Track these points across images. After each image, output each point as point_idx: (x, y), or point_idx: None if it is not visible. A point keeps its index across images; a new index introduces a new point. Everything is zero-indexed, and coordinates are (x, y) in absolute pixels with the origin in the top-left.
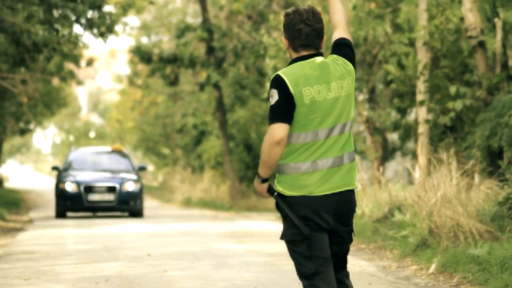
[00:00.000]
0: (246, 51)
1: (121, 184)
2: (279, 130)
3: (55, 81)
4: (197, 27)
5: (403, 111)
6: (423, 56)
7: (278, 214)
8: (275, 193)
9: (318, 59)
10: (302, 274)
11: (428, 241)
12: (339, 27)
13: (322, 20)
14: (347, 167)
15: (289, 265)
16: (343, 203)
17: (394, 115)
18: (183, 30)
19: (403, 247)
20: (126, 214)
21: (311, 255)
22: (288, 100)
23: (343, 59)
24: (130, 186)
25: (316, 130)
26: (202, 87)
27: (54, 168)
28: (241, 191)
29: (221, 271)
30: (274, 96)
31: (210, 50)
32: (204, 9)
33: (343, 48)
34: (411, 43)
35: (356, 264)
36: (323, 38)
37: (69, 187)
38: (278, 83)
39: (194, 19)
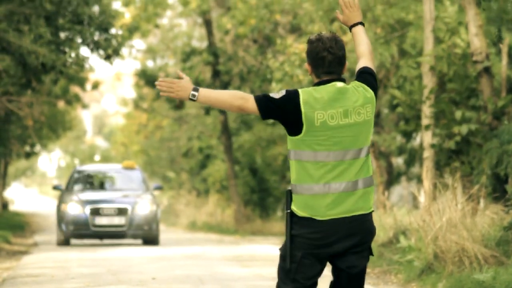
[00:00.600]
0: (252, 75)
1: (134, 205)
2: (249, 102)
3: (61, 104)
4: (203, 51)
5: (408, 136)
6: (428, 81)
7: (283, 238)
8: (288, 210)
9: (339, 84)
10: None
11: (433, 265)
12: (363, 57)
13: (344, 47)
14: (361, 192)
15: None
16: (356, 226)
17: (399, 139)
18: (189, 53)
19: (408, 271)
20: (139, 241)
21: (294, 278)
22: (284, 108)
23: (364, 85)
24: (144, 208)
25: (328, 152)
26: (207, 111)
27: (56, 187)
28: (246, 215)
29: None
30: (279, 94)
31: (216, 74)
32: (209, 33)
33: (365, 75)
34: (419, 67)
35: None
36: (345, 65)
37: (73, 209)
38: (292, 94)
39: (199, 43)
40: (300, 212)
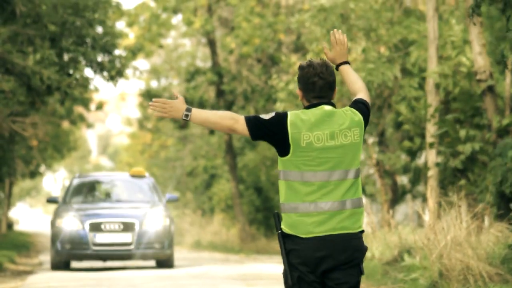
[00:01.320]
0: (256, 94)
1: (142, 219)
2: (242, 125)
3: (65, 124)
4: (207, 71)
5: (413, 154)
6: (432, 99)
7: None
8: (279, 231)
9: (327, 107)
10: None
11: (438, 283)
12: (359, 93)
13: (334, 73)
14: (349, 212)
15: None
16: (342, 244)
17: (403, 158)
18: (193, 73)
19: None
20: (150, 263)
21: None
22: (272, 129)
23: (354, 110)
24: (155, 223)
25: (314, 172)
26: (212, 130)
27: (51, 200)
28: (251, 234)
29: None
30: (269, 115)
31: (220, 94)
32: (213, 53)
33: (358, 104)
34: (421, 87)
35: None
36: (335, 90)
37: (69, 224)
38: (279, 118)
39: (203, 63)
40: (287, 231)
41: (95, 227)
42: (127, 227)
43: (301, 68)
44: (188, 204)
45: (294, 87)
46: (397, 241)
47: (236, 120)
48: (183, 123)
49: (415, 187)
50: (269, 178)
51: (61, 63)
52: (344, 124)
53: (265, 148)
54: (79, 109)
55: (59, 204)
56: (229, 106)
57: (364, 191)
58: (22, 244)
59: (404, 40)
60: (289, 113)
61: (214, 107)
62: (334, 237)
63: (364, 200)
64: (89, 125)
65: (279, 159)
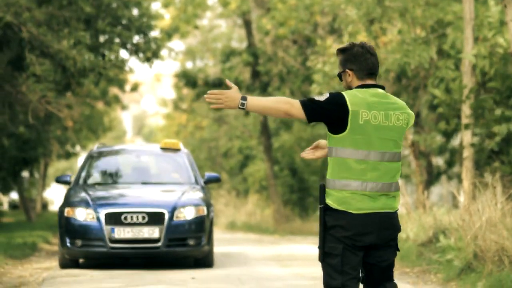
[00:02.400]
0: (291, 76)
1: (174, 208)
2: (296, 107)
3: (100, 105)
4: (243, 52)
5: (448, 135)
6: (468, 80)
7: None
8: (321, 205)
9: (380, 90)
10: (328, 285)
11: (472, 265)
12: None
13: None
14: (393, 194)
15: None
16: (385, 222)
17: (439, 139)
18: (228, 54)
19: (448, 271)
20: (183, 262)
21: (342, 270)
22: (330, 108)
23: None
24: (190, 212)
25: (368, 151)
26: (247, 111)
27: (60, 180)
28: (286, 215)
29: None
30: (325, 96)
31: (255, 75)
32: (249, 34)
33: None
34: (457, 68)
35: (401, 287)
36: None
37: (81, 214)
38: (336, 96)
39: (239, 44)
40: (335, 206)
41: (113, 219)
42: (154, 218)
43: (349, 48)
44: (223, 185)
45: (330, 69)
46: (432, 222)
47: (291, 105)
48: None
49: (450, 168)
50: (304, 159)
51: (95, 45)
52: (397, 108)
53: (300, 129)
54: (114, 90)
55: (71, 185)
56: (264, 88)
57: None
58: (57, 225)
59: (440, 22)
60: (344, 93)
61: (250, 88)
62: (380, 215)
63: (399, 181)
64: (124, 107)
65: (331, 136)
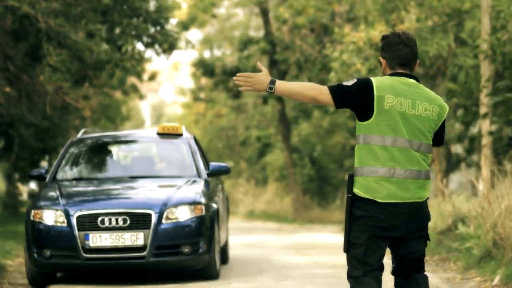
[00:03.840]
0: (309, 64)
1: (164, 208)
2: (325, 92)
3: (118, 94)
4: (260, 40)
5: (467, 123)
6: (486, 69)
7: (342, 226)
8: (349, 195)
9: (410, 80)
10: (350, 275)
11: (492, 253)
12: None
13: (417, 44)
14: (423, 182)
15: None
16: (413, 212)
17: (458, 126)
18: (246, 43)
19: (467, 259)
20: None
21: (364, 261)
22: (357, 91)
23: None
24: (185, 212)
25: (395, 137)
26: (265, 100)
27: (34, 176)
28: (305, 204)
29: (284, 283)
30: (351, 81)
31: (273, 63)
32: (266, 22)
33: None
34: (475, 56)
35: None
36: (417, 61)
37: (50, 218)
38: (364, 81)
39: (256, 32)
40: (362, 194)
41: (87, 223)
42: (138, 221)
43: (385, 37)
44: (242, 174)
45: (347, 57)
46: (451, 210)
47: (319, 91)
48: (236, 92)
49: (469, 156)
50: (323, 147)
51: (112, 37)
52: (427, 99)
53: (319, 118)
54: (132, 79)
55: (46, 181)
56: (282, 76)
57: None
58: None
59: (457, 10)
60: (372, 78)
61: None
62: (407, 205)
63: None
64: (142, 96)
65: (359, 124)
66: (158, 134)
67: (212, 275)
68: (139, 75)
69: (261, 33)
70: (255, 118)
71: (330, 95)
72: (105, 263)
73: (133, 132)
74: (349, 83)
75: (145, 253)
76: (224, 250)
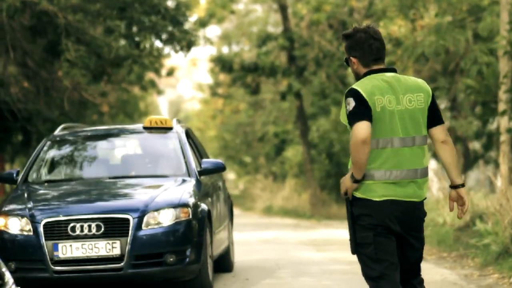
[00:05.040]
0: (328, 60)
1: (143, 213)
2: (362, 128)
3: (136, 90)
4: (278, 36)
5: (485, 120)
6: (504, 65)
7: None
8: (347, 197)
9: (388, 74)
10: (368, 276)
11: (510, 249)
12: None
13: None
14: (420, 181)
15: None
16: (411, 211)
17: (476, 123)
18: (264, 39)
19: (485, 255)
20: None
21: (378, 258)
22: (364, 104)
23: (423, 81)
24: (167, 216)
25: (390, 138)
26: (283, 96)
27: (4, 178)
28: (322, 200)
29: (302, 279)
30: (351, 103)
31: (291, 59)
32: (285, 18)
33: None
34: (491, 53)
35: (438, 272)
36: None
37: (15, 226)
38: (354, 93)
39: (275, 28)
40: (359, 195)
41: (56, 231)
42: (114, 227)
43: (352, 35)
44: (259, 170)
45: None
46: (469, 206)
47: (363, 134)
48: (254, 88)
49: (487, 152)
50: (341, 143)
51: (130, 34)
52: (408, 89)
53: (338, 114)
54: (150, 75)
55: (18, 184)
56: (300, 72)
57: (436, 156)
58: None
59: (475, 6)
60: (355, 87)
61: (286, 72)
62: (405, 204)
63: (436, 165)
64: (160, 92)
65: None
66: (145, 128)
67: (204, 287)
68: (157, 71)
69: (279, 29)
70: (272, 114)
71: (364, 125)
72: (77, 276)
73: (117, 127)
74: (351, 106)
75: (122, 264)
76: (226, 257)
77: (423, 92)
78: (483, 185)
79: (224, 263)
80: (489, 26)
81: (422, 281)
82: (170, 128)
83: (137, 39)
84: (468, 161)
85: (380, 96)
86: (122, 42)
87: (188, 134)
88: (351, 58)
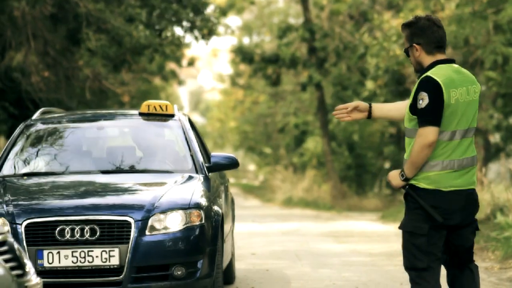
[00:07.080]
0: (348, 51)
1: (147, 215)
2: (431, 133)
3: (157, 80)
4: (299, 27)
5: (506, 113)
6: None
7: (380, 214)
8: (407, 186)
9: (455, 65)
10: (413, 266)
11: None
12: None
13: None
14: (473, 169)
15: (391, 265)
16: (470, 200)
17: (496, 116)
18: (285, 30)
19: (506, 248)
20: None
21: (428, 250)
22: (439, 103)
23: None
24: (175, 220)
25: (454, 130)
26: (303, 87)
27: None
28: (343, 191)
29: (322, 271)
30: (425, 99)
31: (312, 50)
32: (305, 9)
33: None
34: (510, 44)
35: None
36: None
37: None
38: (431, 86)
39: (295, 20)
40: (424, 185)
41: (41, 235)
42: (112, 232)
43: (414, 22)
44: (280, 161)
45: (387, 43)
46: (489, 199)
47: (431, 139)
48: (275, 79)
49: (508, 145)
50: (362, 135)
51: (151, 22)
52: (472, 81)
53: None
54: (171, 65)
55: None
56: (321, 63)
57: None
58: None
59: None
60: (433, 76)
61: (306, 64)
62: (465, 193)
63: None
64: (180, 82)
65: (412, 117)
66: (142, 114)
67: None
68: (178, 61)
69: (300, 20)
70: (293, 105)
71: (433, 131)
72: None
73: (109, 112)
74: (424, 103)
75: (121, 276)
76: (228, 268)
77: (477, 84)
78: (504, 178)
79: (225, 275)
80: (510, 17)
81: (477, 266)
82: (172, 115)
83: (157, 27)
84: (489, 154)
85: (455, 89)
86: (144, 31)
87: (190, 122)
88: (414, 45)
